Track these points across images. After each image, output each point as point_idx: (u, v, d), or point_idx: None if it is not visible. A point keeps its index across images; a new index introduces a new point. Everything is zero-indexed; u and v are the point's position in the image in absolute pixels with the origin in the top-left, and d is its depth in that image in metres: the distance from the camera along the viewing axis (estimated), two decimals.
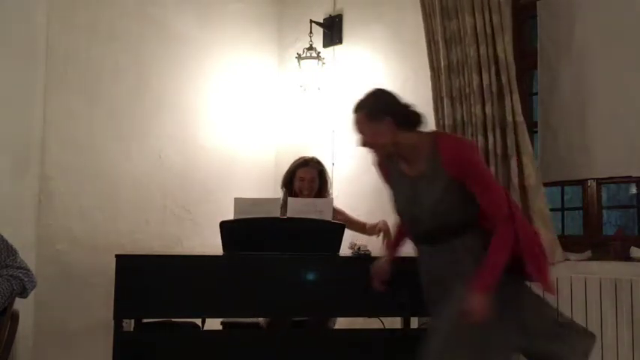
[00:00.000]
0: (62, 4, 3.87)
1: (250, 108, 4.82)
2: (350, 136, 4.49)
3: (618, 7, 3.40)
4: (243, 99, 4.78)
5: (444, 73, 3.71)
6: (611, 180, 3.49)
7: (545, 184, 3.74)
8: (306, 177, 3.58)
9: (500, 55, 3.47)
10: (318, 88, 4.55)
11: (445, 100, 3.70)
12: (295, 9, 4.90)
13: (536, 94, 3.73)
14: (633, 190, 3.65)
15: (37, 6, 3.75)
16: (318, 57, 4.52)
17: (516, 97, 3.46)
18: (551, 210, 3.50)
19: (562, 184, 3.71)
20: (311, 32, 4.55)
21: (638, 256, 3.20)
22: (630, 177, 3.38)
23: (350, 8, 4.58)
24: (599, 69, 3.44)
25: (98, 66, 4.03)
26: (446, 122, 3.69)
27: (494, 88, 3.49)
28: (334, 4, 4.65)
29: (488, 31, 3.52)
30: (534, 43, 3.72)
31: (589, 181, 3.49)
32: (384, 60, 4.34)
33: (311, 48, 4.53)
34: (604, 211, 3.53)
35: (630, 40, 3.33)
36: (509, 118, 3.45)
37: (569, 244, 3.48)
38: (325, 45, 4.64)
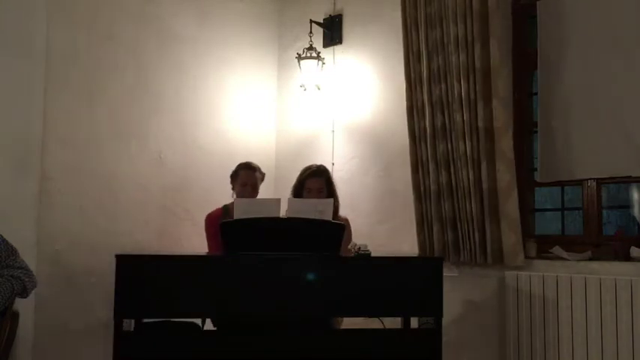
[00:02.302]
0: (62, 4, 3.86)
1: (250, 108, 4.81)
2: (350, 136, 4.46)
3: (618, 7, 3.40)
4: (243, 99, 4.78)
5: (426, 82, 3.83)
6: (611, 180, 3.50)
7: (545, 184, 3.74)
8: (314, 187, 3.64)
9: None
10: (318, 88, 4.55)
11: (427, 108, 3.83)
12: (295, 9, 4.89)
13: (536, 94, 3.73)
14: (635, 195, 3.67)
15: (37, 5, 3.74)
16: (318, 57, 4.52)
17: (495, 103, 3.52)
18: (551, 210, 3.50)
19: (562, 184, 3.71)
20: (311, 32, 4.55)
21: (638, 256, 3.20)
22: (630, 177, 3.39)
23: (350, 8, 4.58)
24: (599, 69, 3.44)
25: (98, 66, 4.02)
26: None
27: (472, 96, 3.59)
28: (334, 4, 4.64)
29: (470, 39, 3.61)
30: (534, 43, 3.72)
31: (589, 181, 3.49)
32: (383, 60, 4.34)
33: (311, 48, 4.53)
34: (604, 211, 3.54)
35: (630, 40, 3.33)
36: (486, 124, 3.54)
37: (569, 244, 3.48)
38: (325, 45, 4.64)
